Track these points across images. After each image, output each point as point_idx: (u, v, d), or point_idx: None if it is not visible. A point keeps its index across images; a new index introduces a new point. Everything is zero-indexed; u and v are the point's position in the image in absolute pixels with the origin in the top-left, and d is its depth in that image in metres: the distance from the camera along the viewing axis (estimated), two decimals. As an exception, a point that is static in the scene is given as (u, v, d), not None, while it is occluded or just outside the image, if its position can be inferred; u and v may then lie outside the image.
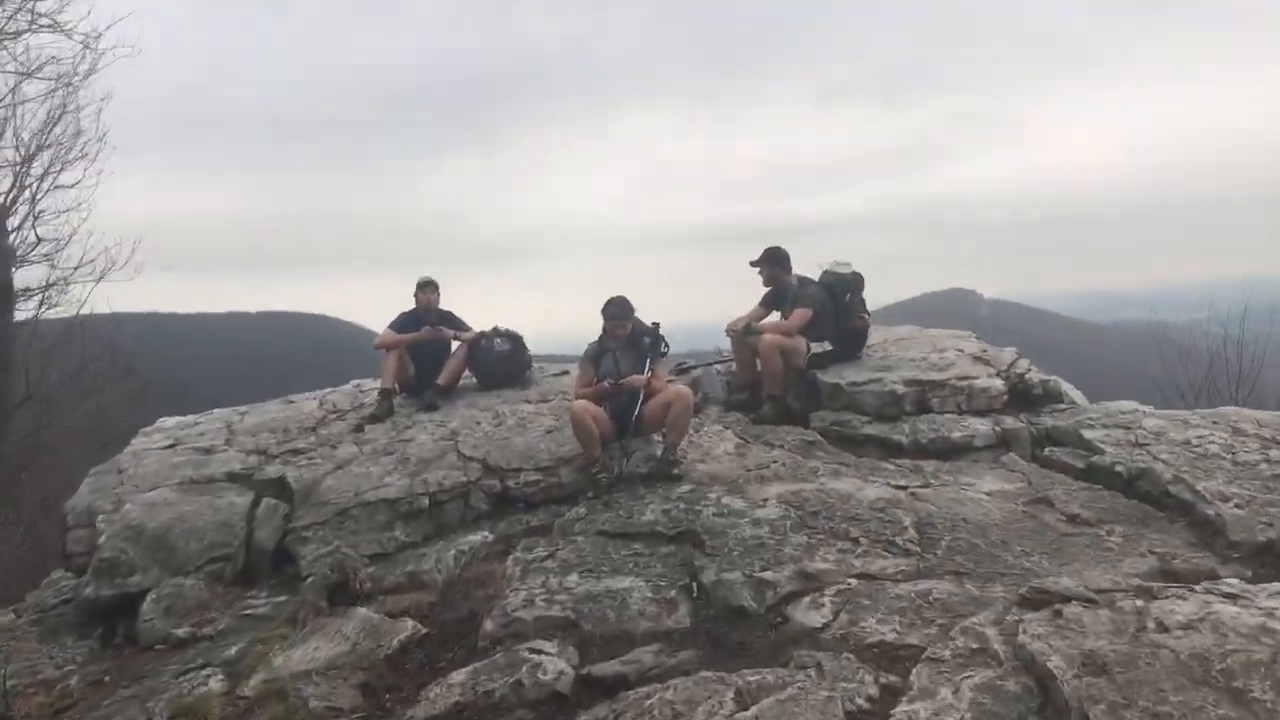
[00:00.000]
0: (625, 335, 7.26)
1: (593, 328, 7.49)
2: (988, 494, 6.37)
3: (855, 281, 8.83)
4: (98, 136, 15.87)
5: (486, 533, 6.47)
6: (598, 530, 6.03)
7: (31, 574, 11.06)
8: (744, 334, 8.63)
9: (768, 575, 5.02)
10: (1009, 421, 7.73)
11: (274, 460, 7.66)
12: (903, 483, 6.56)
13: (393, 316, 9.06)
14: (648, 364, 7.13)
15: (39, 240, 15.53)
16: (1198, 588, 4.07)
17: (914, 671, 3.80)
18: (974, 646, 3.89)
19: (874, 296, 9.07)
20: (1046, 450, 7.36)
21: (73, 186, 15.63)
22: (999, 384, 8.13)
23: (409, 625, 5.11)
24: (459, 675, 4.41)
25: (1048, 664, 3.53)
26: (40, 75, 14.72)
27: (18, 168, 15.26)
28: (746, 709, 3.65)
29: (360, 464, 7.36)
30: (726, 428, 7.98)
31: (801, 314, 8.44)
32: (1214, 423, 7.34)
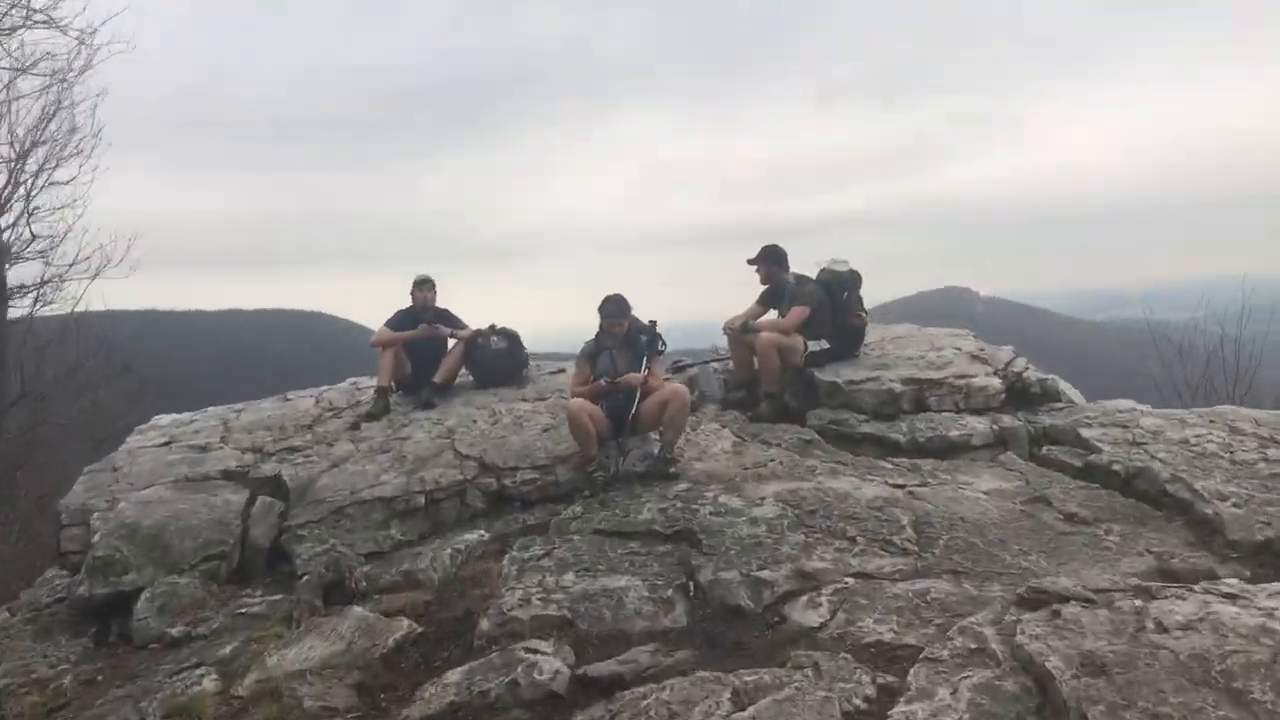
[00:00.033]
0: (622, 333, 7.24)
1: (590, 326, 7.47)
2: (985, 493, 6.35)
3: (852, 280, 8.82)
4: (93, 133, 15.84)
5: (483, 531, 6.44)
6: (594, 529, 6.01)
7: (26, 572, 11.04)
8: (741, 332, 8.61)
9: (765, 574, 5.01)
10: (1007, 420, 7.72)
11: (270, 458, 7.62)
12: (900, 481, 6.54)
13: (390, 314, 9.05)
14: (644, 362, 7.11)
15: (34, 237, 15.50)
16: (1197, 588, 4.05)
17: (911, 671, 3.78)
18: (972, 646, 3.87)
19: (870, 295, 9.07)
20: (1044, 449, 7.35)
21: (68, 183, 15.60)
22: (996, 383, 8.12)
23: (404, 624, 5.08)
24: (454, 675, 4.38)
25: (1046, 664, 3.51)
26: (35, 71, 14.67)
27: (12, 164, 15.23)
28: (743, 709, 3.64)
29: (356, 462, 7.33)
30: (724, 426, 7.96)
31: (799, 312, 8.43)
32: (1211, 421, 7.33)
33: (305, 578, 5.81)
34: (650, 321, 7.32)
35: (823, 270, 8.85)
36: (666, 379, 7.64)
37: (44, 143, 15.41)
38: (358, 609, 5.35)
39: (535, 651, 4.45)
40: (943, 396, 7.98)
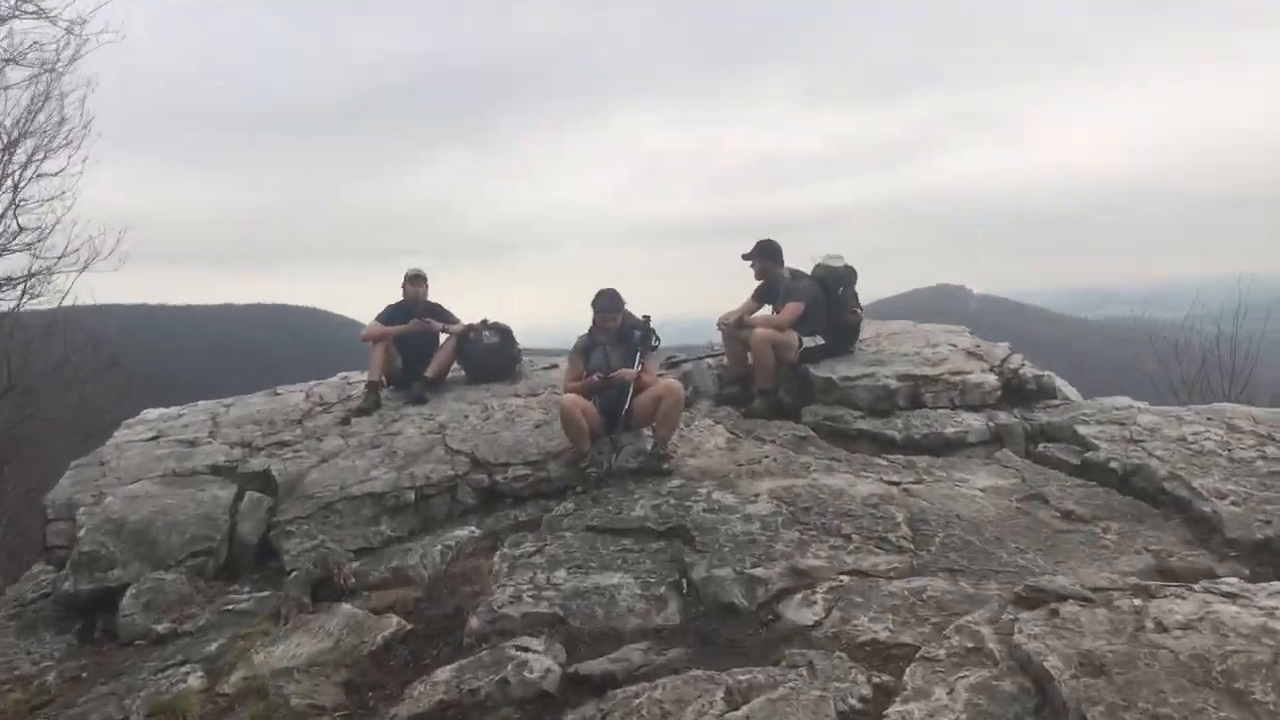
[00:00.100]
0: (615, 328, 7.17)
1: (583, 321, 7.41)
2: (981, 490, 6.30)
3: (848, 275, 8.77)
4: (82, 124, 15.65)
5: (474, 528, 6.38)
6: (586, 526, 5.95)
7: (14, 567, 10.96)
8: (736, 328, 8.56)
9: (759, 572, 4.96)
10: (1002, 417, 7.67)
11: (259, 453, 7.56)
12: (895, 478, 6.49)
13: (381, 309, 8.98)
14: (638, 357, 7.05)
15: (21, 229, 15.29)
16: (1196, 587, 4.01)
17: (907, 671, 3.74)
18: (969, 646, 3.83)
19: (864, 292, 9.02)
20: (1040, 446, 7.29)
21: (56, 175, 15.40)
22: (992, 379, 8.07)
23: (394, 621, 5.03)
24: (444, 673, 4.33)
25: (1044, 664, 3.47)
26: (23, 62, 14.52)
27: (-1, 155, 15.06)
28: (737, 708, 3.59)
29: (346, 457, 7.27)
30: (717, 422, 7.90)
31: (794, 308, 8.38)
32: (1209, 419, 7.28)
33: (293, 574, 5.74)
34: (644, 316, 7.27)
35: (818, 266, 8.80)
36: (660, 374, 7.59)
37: (32, 134, 15.23)
38: (346, 606, 5.29)
39: (526, 649, 4.39)
40: (938, 393, 7.93)
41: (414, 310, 8.89)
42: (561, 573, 5.24)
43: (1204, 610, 3.70)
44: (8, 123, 15.00)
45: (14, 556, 12.94)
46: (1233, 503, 5.70)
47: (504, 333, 9.19)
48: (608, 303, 7.16)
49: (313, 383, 9.68)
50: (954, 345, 8.88)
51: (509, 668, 4.20)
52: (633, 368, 6.99)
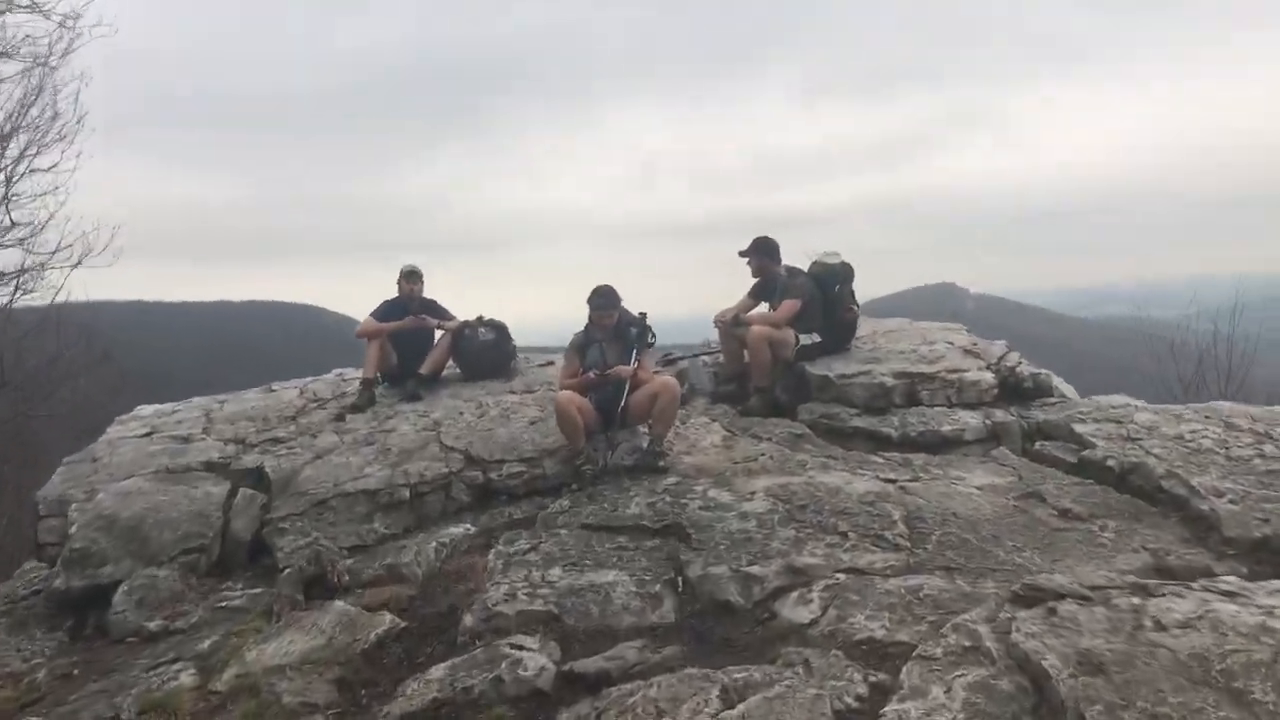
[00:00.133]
0: (611, 325, 7.14)
1: (579, 318, 7.37)
2: (978, 488, 6.27)
3: (844, 272, 8.74)
4: (76, 119, 15.60)
5: (468, 525, 6.35)
6: (581, 523, 5.92)
7: (10, 565, 10.90)
8: (732, 325, 8.54)
9: (755, 570, 4.93)
10: (999, 415, 7.64)
11: (252, 449, 7.53)
12: (892, 476, 6.46)
13: (376, 305, 8.95)
14: (634, 354, 7.02)
15: (13, 224, 15.23)
16: (1195, 585, 3.98)
17: (904, 669, 3.70)
18: (966, 644, 3.79)
19: (861, 290, 9.01)
20: (1037, 444, 7.26)
21: (49, 170, 15.36)
22: (989, 377, 8.05)
23: (387, 619, 4.99)
24: (438, 671, 4.30)
25: (1042, 663, 3.44)
26: (16, 56, 14.46)
27: (-8, 150, 15.00)
28: (733, 707, 3.56)
29: (340, 454, 7.23)
30: (713, 420, 7.88)
31: (790, 305, 8.35)
32: (1206, 417, 7.26)
33: (286, 571, 5.71)
34: (640, 313, 7.24)
35: (814, 263, 8.78)
36: (656, 372, 7.56)
37: (25, 129, 15.18)
38: (339, 603, 5.25)
39: (520, 647, 4.36)
40: (935, 391, 7.91)
41: (409, 307, 8.87)
42: (556, 570, 5.20)
43: (1203, 609, 3.67)
44: (0, 117, 14.96)
45: (12, 554, 12.87)
46: (1231, 501, 5.67)
47: (499, 329, 9.16)
48: (603, 300, 7.13)
49: (307, 379, 9.66)
50: (951, 343, 8.86)
51: (503, 666, 4.17)
52: (629, 365, 6.96)
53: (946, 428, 7.43)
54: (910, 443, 7.35)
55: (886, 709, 3.44)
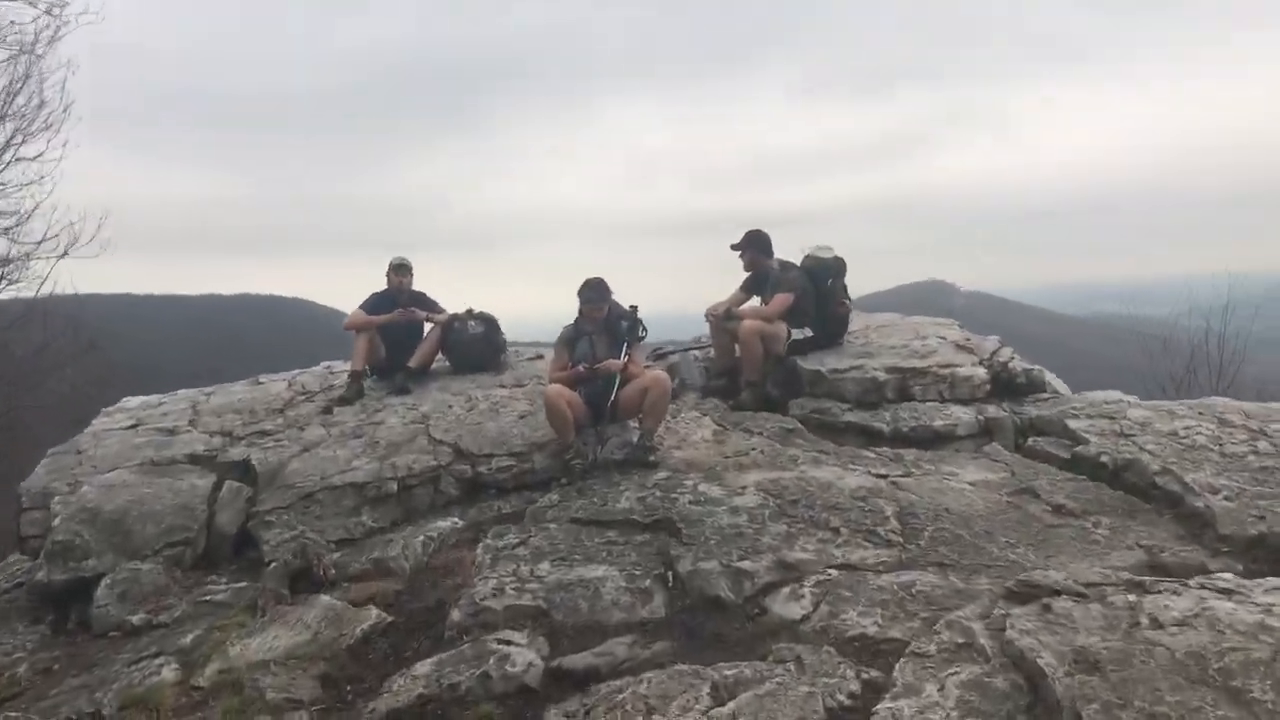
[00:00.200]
0: (602, 318, 7.07)
1: (570, 312, 7.31)
2: (971, 484, 6.23)
3: (837, 267, 8.69)
4: (62, 107, 15.46)
5: (456, 519, 6.28)
6: (571, 518, 5.87)
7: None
8: (724, 319, 8.48)
9: (746, 565, 4.88)
10: (992, 410, 7.61)
11: (239, 442, 7.43)
12: (884, 471, 6.43)
13: (365, 297, 8.86)
14: (624, 348, 6.96)
15: (-2, 213, 15.14)
16: (1191, 582, 3.94)
17: (897, 666, 3.66)
18: (959, 641, 3.75)
19: (852, 286, 8.96)
20: (1030, 440, 7.23)
21: (35, 159, 15.22)
22: (982, 372, 8.02)
23: (373, 614, 4.93)
24: (424, 666, 4.25)
25: (1037, 661, 3.39)
26: (2, 44, 14.32)
27: (-23, 139, 14.86)
28: (723, 704, 3.52)
29: (328, 447, 7.15)
30: (704, 414, 7.82)
31: (782, 299, 8.30)
32: (1200, 413, 7.24)
33: (272, 565, 5.64)
34: (631, 306, 7.17)
35: (807, 257, 8.73)
36: (647, 366, 7.50)
37: (10, 117, 15.04)
38: (325, 598, 5.19)
39: (508, 643, 4.32)
40: (927, 386, 7.88)
41: (398, 299, 8.78)
42: (545, 565, 5.15)
43: (1200, 606, 3.63)
44: (-14, 105, 14.82)
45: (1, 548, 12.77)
46: (1225, 498, 5.64)
47: (489, 322, 9.08)
48: (594, 293, 7.06)
49: (295, 372, 9.57)
50: (943, 338, 8.83)
51: (490, 661, 4.12)
52: (619, 358, 6.89)
53: (939, 423, 7.40)
54: (902, 438, 7.32)
55: (879, 707, 3.39)
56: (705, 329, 9.15)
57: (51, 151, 15.21)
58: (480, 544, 5.65)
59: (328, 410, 8.06)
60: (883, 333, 9.23)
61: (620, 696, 3.69)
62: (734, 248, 8.65)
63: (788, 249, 8.74)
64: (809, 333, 8.66)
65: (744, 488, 6.01)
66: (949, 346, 8.55)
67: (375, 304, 8.75)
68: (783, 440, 7.16)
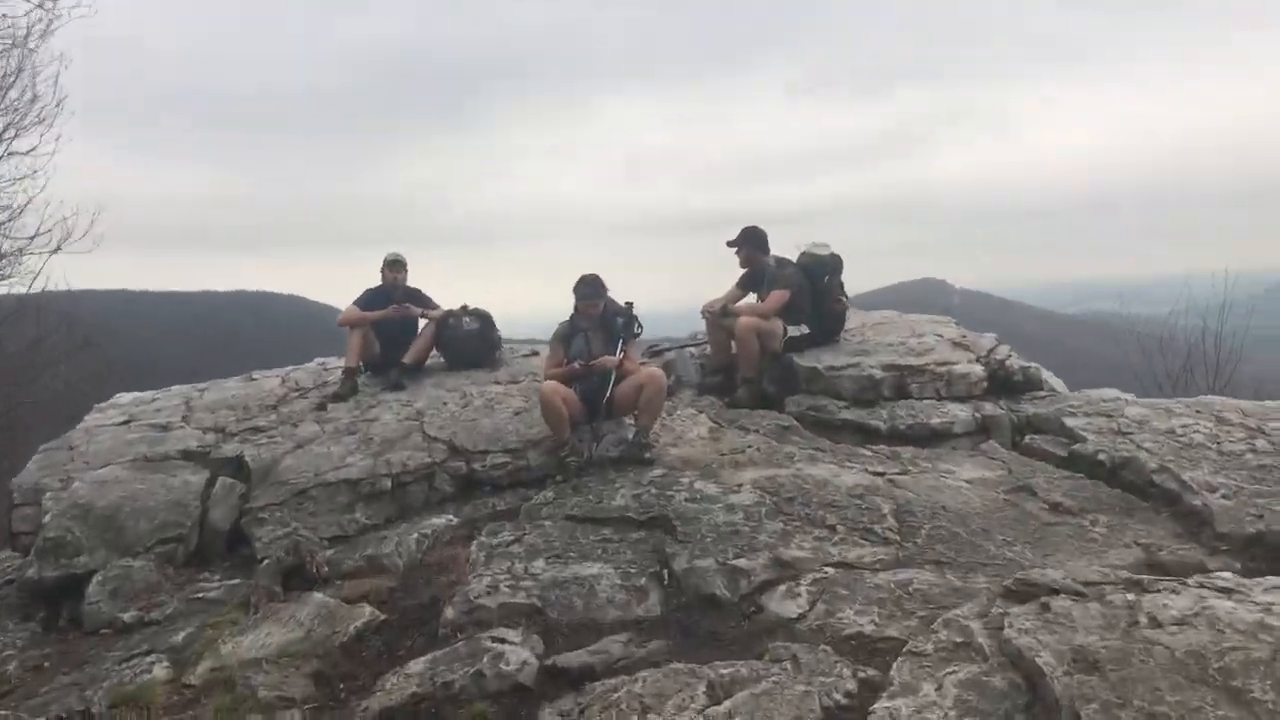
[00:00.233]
0: (597, 315, 7.04)
1: (565, 309, 7.27)
2: (968, 481, 6.22)
3: (834, 264, 8.65)
4: (55, 102, 15.35)
5: (451, 516, 6.24)
6: (566, 515, 5.84)
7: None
8: (720, 316, 8.44)
9: (742, 563, 4.85)
10: (989, 408, 7.59)
11: (232, 438, 7.39)
12: (880, 469, 6.40)
13: (359, 293, 8.82)
14: (620, 345, 6.93)
15: (-10, 209, 15.04)
16: (1190, 581, 3.90)
17: (894, 665, 3.63)
18: (957, 640, 3.72)
19: (851, 285, 8.93)
20: (1027, 438, 7.22)
21: (28, 153, 15.13)
22: (979, 370, 7.99)
23: (367, 611, 4.90)
24: (418, 664, 4.21)
25: (1036, 660, 3.35)
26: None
27: (-32, 133, 14.77)
28: (719, 703, 3.49)
29: (321, 443, 7.11)
30: (700, 411, 7.79)
31: (779, 296, 8.26)
32: (1198, 412, 7.22)
33: (265, 562, 5.62)
34: (627, 303, 7.14)
35: (803, 254, 8.69)
36: (643, 363, 7.47)
37: (2, 111, 14.94)
38: (318, 595, 5.16)
39: (502, 641, 4.28)
40: (924, 383, 7.85)
41: (393, 295, 8.74)
42: (540, 562, 5.12)
43: (1199, 605, 3.60)
44: (-23, 100, 14.73)
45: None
46: (1224, 496, 5.62)
47: (484, 319, 9.04)
48: (590, 289, 7.03)
49: (289, 368, 9.52)
50: (940, 336, 8.80)
51: (485, 659, 4.09)
52: (614, 355, 6.86)
53: (936, 420, 7.38)
54: (899, 435, 7.30)
55: (876, 706, 3.35)
56: (702, 327, 9.12)
57: (44, 146, 15.12)
58: (475, 541, 5.63)
59: (321, 407, 8.02)
60: (879, 330, 9.20)
61: (615, 695, 3.66)
62: (730, 244, 8.62)
63: (786, 248, 8.72)
64: (805, 330, 8.63)
65: (740, 485, 5.98)
66: (946, 344, 8.53)
67: (370, 300, 8.72)
68: (779, 438, 7.13)
